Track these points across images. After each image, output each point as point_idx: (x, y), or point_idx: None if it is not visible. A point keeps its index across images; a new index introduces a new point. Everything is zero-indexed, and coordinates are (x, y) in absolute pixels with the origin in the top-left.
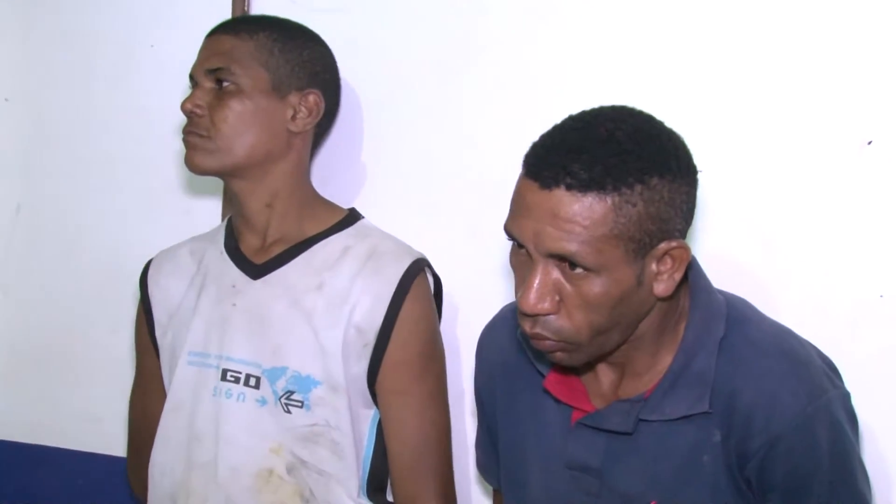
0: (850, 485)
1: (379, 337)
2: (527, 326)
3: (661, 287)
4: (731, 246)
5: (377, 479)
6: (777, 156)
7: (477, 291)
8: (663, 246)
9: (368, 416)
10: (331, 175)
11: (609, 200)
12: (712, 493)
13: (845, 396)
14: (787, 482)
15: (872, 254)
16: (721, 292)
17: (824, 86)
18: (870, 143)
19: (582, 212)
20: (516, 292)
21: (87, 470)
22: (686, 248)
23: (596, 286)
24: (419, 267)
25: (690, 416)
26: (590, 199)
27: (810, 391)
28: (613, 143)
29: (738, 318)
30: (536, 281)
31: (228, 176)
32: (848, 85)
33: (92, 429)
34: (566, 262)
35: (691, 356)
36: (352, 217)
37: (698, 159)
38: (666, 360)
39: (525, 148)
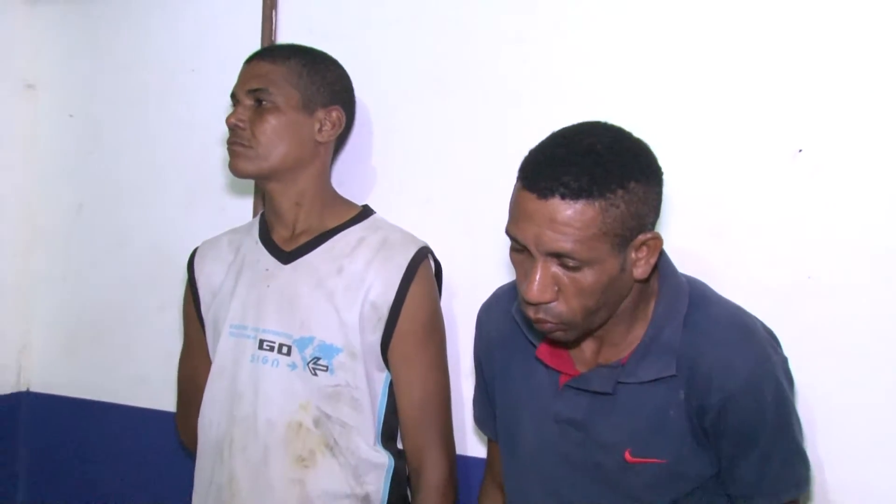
0: (787, 433)
1: (391, 312)
2: (531, 313)
3: (640, 271)
4: (689, 238)
5: (389, 430)
6: (726, 162)
7: (471, 274)
8: (641, 237)
9: (381, 378)
10: (347, 176)
11: (597, 205)
12: (676, 441)
13: (784, 361)
14: (737, 430)
15: (802, 242)
16: (683, 275)
17: (764, 103)
18: (800, 151)
19: (575, 216)
20: (520, 285)
21: (135, 421)
22: (659, 238)
23: (589, 276)
24: (423, 254)
25: (660, 378)
26: (581, 204)
27: (758, 358)
28: (596, 155)
29: (698, 296)
30: (538, 276)
31: (264, 179)
32: (783, 102)
33: (140, 388)
34: (563, 258)
35: (661, 329)
36: (365, 212)
37: (662, 164)
38: (639, 332)
39: (512, 155)
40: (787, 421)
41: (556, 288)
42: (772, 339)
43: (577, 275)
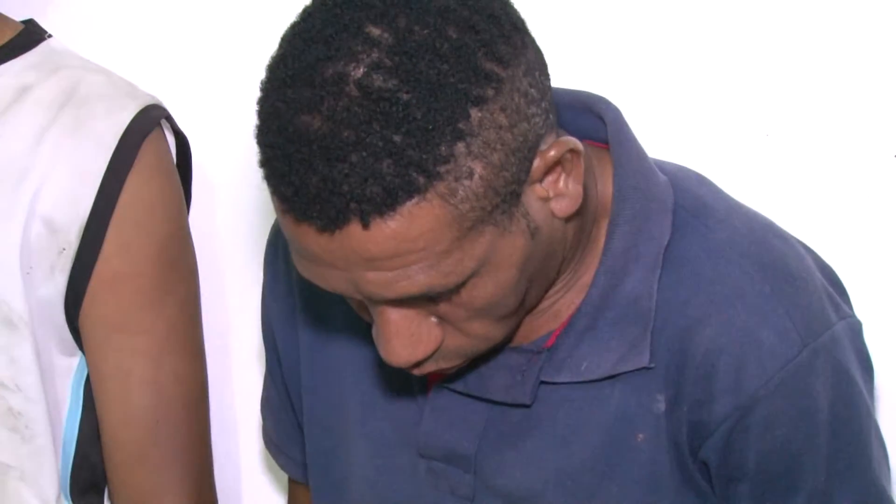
0: (860, 467)
1: (84, 237)
2: (413, 372)
3: (565, 203)
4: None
5: (88, 471)
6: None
7: (250, 163)
8: (537, 165)
9: (70, 369)
10: None
11: (430, 195)
12: (647, 490)
13: (854, 329)
14: (766, 466)
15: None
16: (662, 165)
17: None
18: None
19: (404, 235)
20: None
21: None
22: (565, 142)
23: (480, 289)
24: (152, 119)
25: (618, 374)
26: (403, 214)
27: (806, 325)
28: (383, 105)
29: (691, 208)
30: (392, 330)
31: None
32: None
33: None
34: (417, 299)
35: (619, 276)
36: (31, 35)
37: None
38: (580, 287)
39: None
40: (857, 442)
41: (435, 320)
42: (831, 286)
43: (459, 298)
